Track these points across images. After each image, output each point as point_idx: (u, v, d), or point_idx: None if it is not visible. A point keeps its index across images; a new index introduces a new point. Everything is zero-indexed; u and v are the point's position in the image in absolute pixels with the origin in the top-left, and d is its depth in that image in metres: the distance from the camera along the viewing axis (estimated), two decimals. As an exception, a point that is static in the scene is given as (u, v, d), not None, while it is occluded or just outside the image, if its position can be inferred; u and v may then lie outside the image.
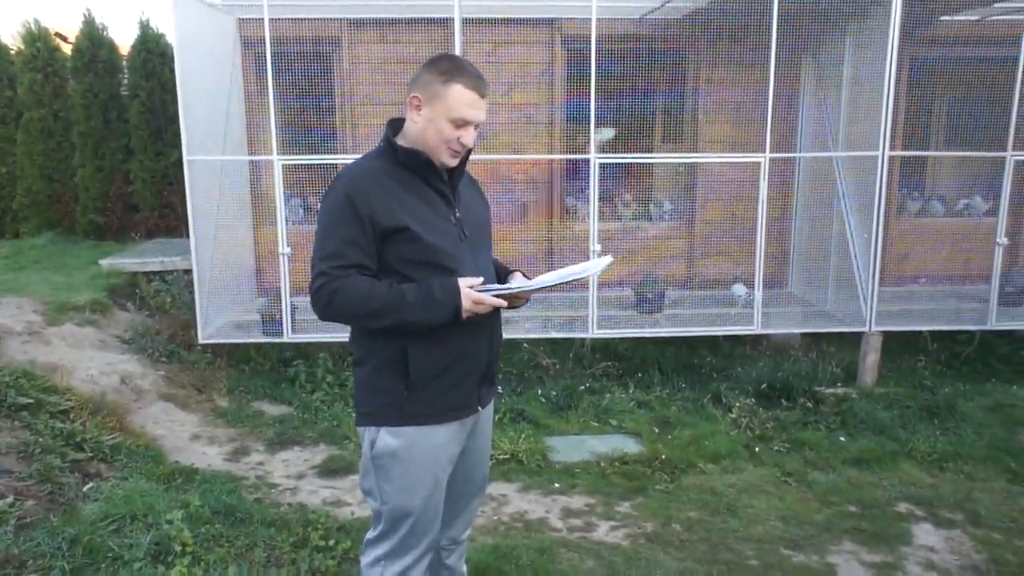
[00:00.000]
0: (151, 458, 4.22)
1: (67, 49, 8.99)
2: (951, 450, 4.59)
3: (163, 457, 4.33)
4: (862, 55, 5.68)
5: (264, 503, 3.92)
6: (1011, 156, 5.52)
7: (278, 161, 5.24)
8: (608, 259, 2.34)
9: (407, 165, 2.11)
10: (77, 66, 8.65)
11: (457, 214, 2.19)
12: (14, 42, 8.92)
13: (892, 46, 5.22)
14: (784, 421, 5.03)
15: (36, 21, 8.85)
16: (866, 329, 5.64)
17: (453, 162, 2.13)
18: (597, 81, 5.32)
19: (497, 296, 2.10)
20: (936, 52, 6.46)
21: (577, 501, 4.08)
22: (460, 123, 2.06)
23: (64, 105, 8.79)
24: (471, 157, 2.30)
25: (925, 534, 3.72)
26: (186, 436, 4.72)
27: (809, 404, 5.28)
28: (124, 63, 8.97)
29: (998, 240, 5.61)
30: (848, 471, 4.41)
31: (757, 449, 4.68)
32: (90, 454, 4.01)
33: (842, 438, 4.84)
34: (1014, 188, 5.63)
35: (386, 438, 2.17)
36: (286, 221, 5.42)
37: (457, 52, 5.41)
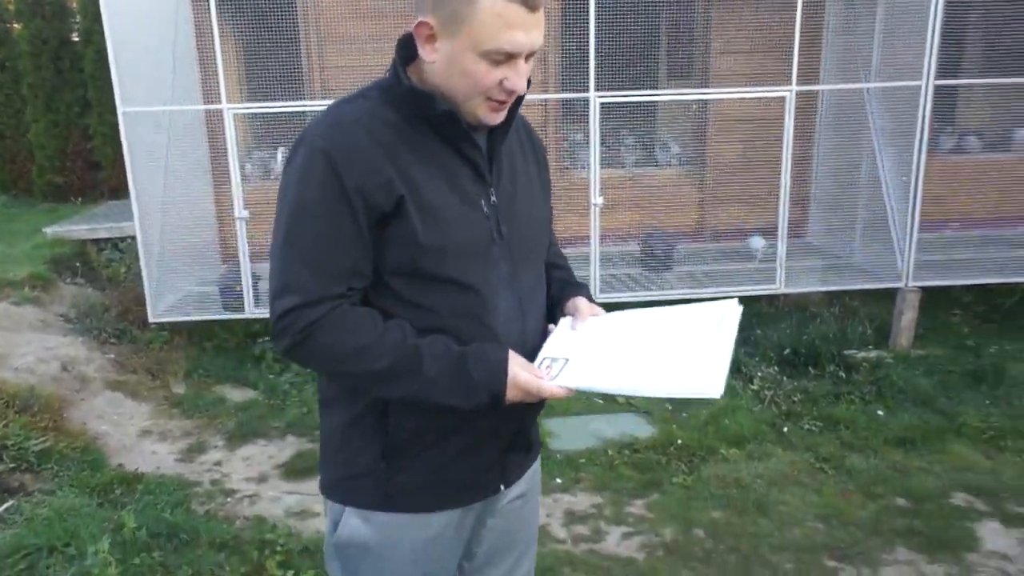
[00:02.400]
0: (88, 464, 3.66)
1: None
2: (1007, 425, 4.02)
3: (103, 461, 3.76)
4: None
5: (216, 517, 3.36)
6: (1071, 82, 4.81)
7: (228, 111, 4.54)
8: (736, 307, 1.44)
9: (420, 114, 1.33)
10: (21, 9, 7.86)
11: (493, 198, 1.39)
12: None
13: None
14: (813, 393, 4.45)
15: (-28, -39, 8.01)
16: (902, 284, 5.02)
17: (498, 118, 1.34)
18: (596, 9, 4.59)
19: (568, 386, 1.34)
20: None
21: (582, 501, 3.52)
22: (501, 57, 1.26)
23: (10, 53, 8.02)
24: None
25: (993, 535, 3.17)
26: (134, 432, 4.14)
27: (840, 372, 4.69)
28: (74, 5, 8.19)
29: (1053, 180, 4.95)
30: (891, 453, 3.85)
31: (785, 429, 4.11)
32: (11, 464, 3.45)
33: (880, 412, 4.27)
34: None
35: (354, 523, 1.46)
36: (245, 179, 4.76)
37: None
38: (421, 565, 1.49)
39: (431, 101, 1.31)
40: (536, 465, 1.65)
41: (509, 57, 1.27)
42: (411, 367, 1.30)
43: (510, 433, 1.49)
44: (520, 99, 1.37)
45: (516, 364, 1.34)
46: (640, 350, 1.40)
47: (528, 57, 1.30)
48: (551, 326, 1.52)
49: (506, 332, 1.40)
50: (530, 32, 1.26)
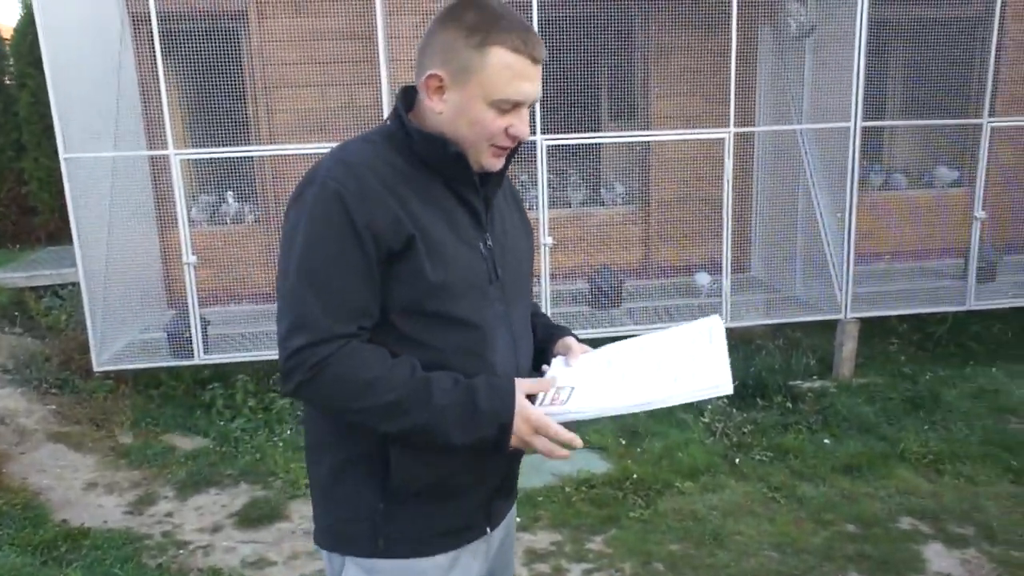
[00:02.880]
0: (30, 520, 3.53)
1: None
2: (945, 449, 4.19)
3: (46, 517, 3.63)
4: (826, 14, 5.21)
5: (169, 571, 3.27)
6: (987, 123, 5.13)
7: (175, 156, 4.51)
8: (719, 321, 1.53)
9: (426, 159, 1.38)
10: (-49, 53, 7.69)
11: (488, 241, 1.45)
12: None
13: (862, 2, 4.76)
14: (762, 424, 4.57)
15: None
16: (842, 316, 5.22)
17: (499, 164, 1.42)
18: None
19: (566, 423, 1.37)
20: (897, 12, 6.05)
21: (542, 539, 3.53)
22: (508, 106, 1.35)
23: (-59, 98, 7.80)
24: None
25: (937, 557, 3.29)
26: (79, 485, 4.00)
27: (787, 402, 4.83)
28: (7, 48, 8.04)
29: (975, 214, 5.23)
30: (839, 481, 3.97)
31: (737, 460, 4.20)
32: (-52, 524, 3.30)
33: (827, 440, 4.41)
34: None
35: (354, 573, 1.46)
36: (192, 224, 4.71)
37: (380, 21, 4.74)
38: None
39: (443, 144, 1.36)
40: (514, 508, 1.68)
41: (515, 106, 1.36)
42: (421, 399, 1.31)
43: (495, 481, 1.51)
44: (517, 148, 1.45)
45: (523, 397, 1.36)
46: (642, 368, 1.45)
47: (530, 105, 1.39)
48: (544, 366, 1.55)
49: (504, 368, 1.44)
50: (535, 83, 1.36)
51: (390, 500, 1.41)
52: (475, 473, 1.46)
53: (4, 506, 3.53)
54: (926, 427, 4.51)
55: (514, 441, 1.35)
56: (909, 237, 6.40)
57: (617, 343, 1.57)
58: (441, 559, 1.47)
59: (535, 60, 1.35)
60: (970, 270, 5.35)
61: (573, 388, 1.42)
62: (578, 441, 1.36)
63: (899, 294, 5.57)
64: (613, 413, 1.38)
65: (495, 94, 1.33)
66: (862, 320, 5.31)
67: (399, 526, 1.43)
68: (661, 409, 1.36)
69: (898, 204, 6.44)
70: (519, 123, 1.37)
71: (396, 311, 1.36)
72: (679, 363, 1.42)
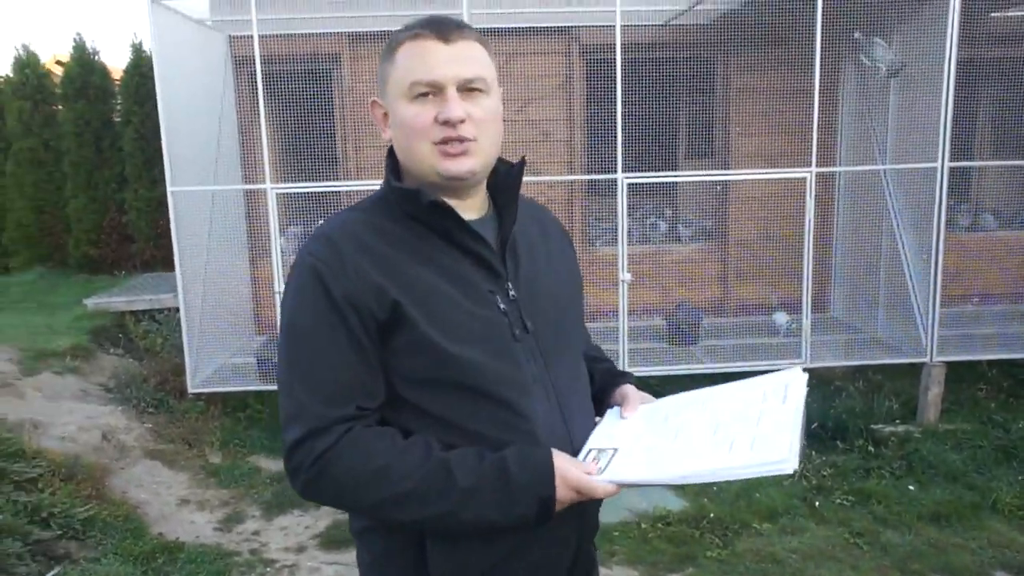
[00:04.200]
0: (130, 532, 3.72)
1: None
2: (1042, 502, 4.02)
3: (144, 529, 3.82)
4: (913, 55, 5.15)
5: (257, 587, 3.40)
6: (1084, 164, 4.97)
7: (271, 190, 4.76)
8: (801, 375, 1.30)
9: (413, 215, 1.26)
10: (68, 92, 8.27)
11: (511, 292, 1.29)
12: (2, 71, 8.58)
13: (952, 42, 4.71)
14: (843, 468, 4.47)
15: (25, 47, 8.48)
16: (927, 360, 5.08)
17: (456, 165, 1.24)
18: (621, 94, 4.83)
19: (618, 481, 1.20)
20: (985, 51, 5.94)
21: (619, 574, 3.53)
22: (425, 91, 1.22)
23: (55, 134, 8.40)
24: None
25: (1034, 614, 3.16)
26: (173, 501, 4.20)
27: (868, 446, 4.72)
28: (117, 88, 8.61)
29: (1072, 257, 5.05)
30: (926, 529, 3.85)
31: (817, 503, 4.12)
32: (58, 532, 3.51)
33: (911, 487, 4.28)
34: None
35: None
36: (283, 253, 4.93)
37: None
38: None
39: (417, 195, 1.24)
40: None
41: (436, 91, 1.23)
42: (441, 483, 1.17)
43: (568, 557, 1.32)
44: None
45: (563, 460, 1.21)
46: (699, 429, 1.25)
47: (469, 91, 1.24)
48: (597, 419, 1.40)
49: (549, 436, 1.27)
50: (450, 62, 1.23)
51: None
52: (535, 556, 1.28)
53: (108, 517, 3.74)
54: (1021, 477, 4.33)
55: (559, 508, 1.20)
56: (999, 279, 6.21)
57: (684, 394, 1.40)
58: None
59: (444, 38, 1.23)
60: (1067, 315, 5.14)
61: (616, 451, 1.26)
62: (618, 490, 1.21)
63: (989, 338, 5.40)
64: (653, 484, 1.20)
65: (405, 82, 1.23)
66: (948, 364, 5.15)
67: None
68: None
69: (987, 245, 6.26)
70: (449, 106, 1.21)
71: (409, 387, 1.24)
72: (741, 426, 1.21)
